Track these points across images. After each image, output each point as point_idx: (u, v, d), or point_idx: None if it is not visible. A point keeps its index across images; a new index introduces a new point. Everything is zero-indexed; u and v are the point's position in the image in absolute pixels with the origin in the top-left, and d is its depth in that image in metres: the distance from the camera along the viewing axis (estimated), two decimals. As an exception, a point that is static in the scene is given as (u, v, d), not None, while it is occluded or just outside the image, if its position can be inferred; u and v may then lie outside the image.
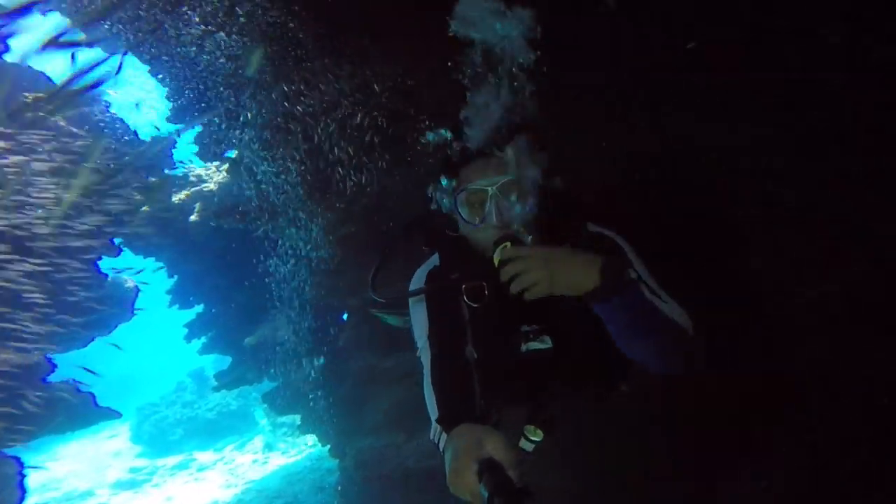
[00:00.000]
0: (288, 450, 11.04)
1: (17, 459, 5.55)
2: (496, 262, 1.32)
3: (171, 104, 5.86)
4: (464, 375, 1.44)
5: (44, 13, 6.25)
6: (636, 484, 2.73)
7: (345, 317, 6.71)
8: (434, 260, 1.69)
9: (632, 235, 1.57)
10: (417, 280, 1.67)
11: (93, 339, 6.74)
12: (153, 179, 7.77)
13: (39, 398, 5.22)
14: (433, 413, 1.38)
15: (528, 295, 1.25)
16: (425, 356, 1.54)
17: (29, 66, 6.89)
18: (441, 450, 1.20)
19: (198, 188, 8.15)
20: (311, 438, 9.65)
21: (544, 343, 1.59)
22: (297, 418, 8.35)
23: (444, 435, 1.21)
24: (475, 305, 1.50)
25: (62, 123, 6.89)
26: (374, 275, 1.77)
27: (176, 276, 8.90)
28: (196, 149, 6.33)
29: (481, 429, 1.09)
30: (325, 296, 5.49)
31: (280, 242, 5.84)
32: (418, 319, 1.61)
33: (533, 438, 1.80)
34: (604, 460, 2.86)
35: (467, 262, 1.55)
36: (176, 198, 8.13)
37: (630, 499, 2.82)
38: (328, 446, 7.08)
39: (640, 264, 1.50)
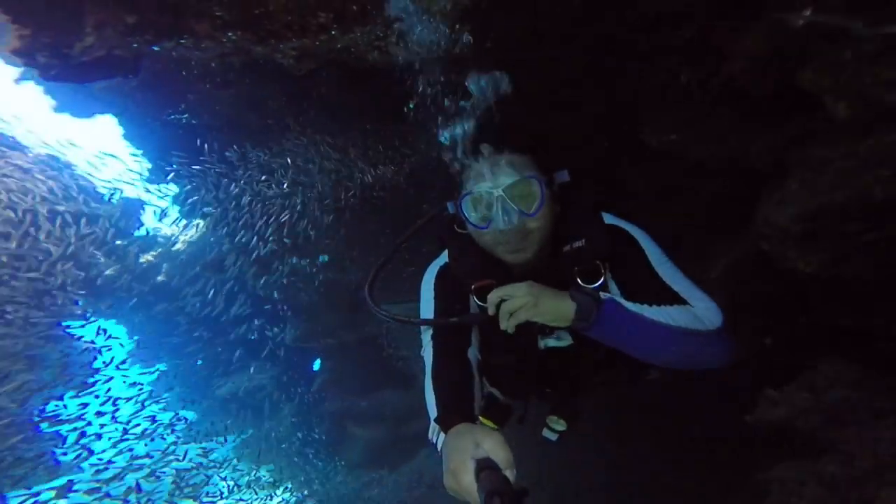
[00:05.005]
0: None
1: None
2: (491, 303, 1.32)
3: (150, 165, 6.17)
4: (463, 377, 1.44)
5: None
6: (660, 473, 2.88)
7: (318, 362, 6.93)
8: (445, 257, 1.65)
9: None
10: (427, 279, 1.65)
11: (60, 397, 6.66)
12: (119, 242, 7.91)
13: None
14: (432, 413, 1.37)
15: (512, 319, 1.28)
16: (427, 354, 1.52)
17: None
18: (438, 449, 1.22)
19: (165, 248, 8.32)
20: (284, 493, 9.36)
21: (562, 340, 1.57)
22: (269, 471, 8.20)
23: (442, 435, 1.21)
24: (485, 305, 1.42)
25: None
26: (374, 277, 1.74)
27: (137, 337, 8.84)
28: (176, 208, 6.61)
29: (479, 429, 1.10)
30: (301, 338, 5.77)
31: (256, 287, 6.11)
32: (426, 317, 1.59)
33: (556, 428, 1.81)
34: (629, 449, 2.99)
35: (476, 261, 1.52)
36: (143, 258, 8.26)
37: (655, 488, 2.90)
38: (305, 493, 7.05)
39: (660, 256, 1.47)
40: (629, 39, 2.28)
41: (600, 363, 1.61)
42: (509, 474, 0.96)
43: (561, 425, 1.81)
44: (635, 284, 1.42)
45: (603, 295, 1.30)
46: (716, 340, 1.32)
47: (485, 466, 0.96)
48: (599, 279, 1.44)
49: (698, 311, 1.35)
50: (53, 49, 1.84)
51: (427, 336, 1.56)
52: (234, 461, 7.74)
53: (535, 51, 2.54)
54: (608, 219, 1.52)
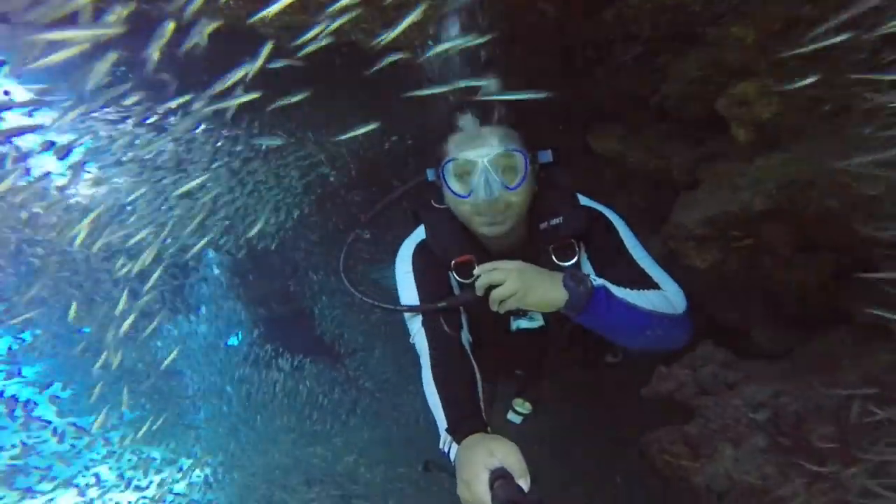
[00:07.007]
0: (144, 486, 9.64)
1: None
2: (479, 286, 1.28)
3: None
4: (465, 372, 1.41)
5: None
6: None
7: (238, 335, 6.72)
8: (420, 233, 1.59)
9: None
10: (403, 257, 1.58)
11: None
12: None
13: None
14: (438, 417, 1.32)
15: (501, 307, 1.25)
16: (421, 345, 1.47)
17: None
18: (452, 460, 1.19)
19: (58, 198, 7.43)
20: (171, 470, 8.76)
21: (533, 321, 1.59)
22: (162, 449, 7.65)
23: (455, 446, 1.19)
24: (466, 281, 1.43)
25: None
26: (346, 254, 1.73)
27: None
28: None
29: (491, 438, 1.09)
30: (229, 308, 5.60)
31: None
32: (408, 298, 1.51)
33: (521, 411, 1.83)
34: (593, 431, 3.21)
35: (454, 236, 1.49)
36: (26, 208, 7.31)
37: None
38: (206, 473, 6.72)
39: (633, 240, 1.49)
40: (589, 52, 2.54)
41: (567, 345, 1.65)
42: (523, 483, 0.96)
43: (525, 408, 1.84)
44: (610, 265, 1.45)
45: (594, 281, 1.29)
46: (682, 323, 1.37)
47: (499, 476, 0.96)
48: (574, 257, 1.46)
49: (669, 294, 1.40)
50: (23, -1, 1.66)
51: (416, 323, 1.50)
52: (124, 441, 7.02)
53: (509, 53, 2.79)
54: (584, 201, 1.55)
